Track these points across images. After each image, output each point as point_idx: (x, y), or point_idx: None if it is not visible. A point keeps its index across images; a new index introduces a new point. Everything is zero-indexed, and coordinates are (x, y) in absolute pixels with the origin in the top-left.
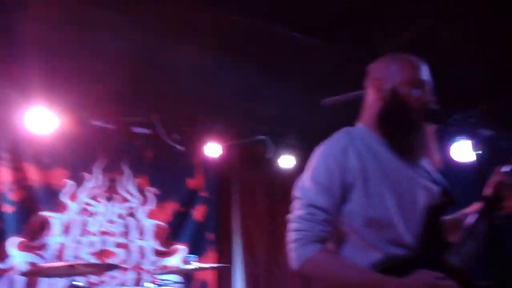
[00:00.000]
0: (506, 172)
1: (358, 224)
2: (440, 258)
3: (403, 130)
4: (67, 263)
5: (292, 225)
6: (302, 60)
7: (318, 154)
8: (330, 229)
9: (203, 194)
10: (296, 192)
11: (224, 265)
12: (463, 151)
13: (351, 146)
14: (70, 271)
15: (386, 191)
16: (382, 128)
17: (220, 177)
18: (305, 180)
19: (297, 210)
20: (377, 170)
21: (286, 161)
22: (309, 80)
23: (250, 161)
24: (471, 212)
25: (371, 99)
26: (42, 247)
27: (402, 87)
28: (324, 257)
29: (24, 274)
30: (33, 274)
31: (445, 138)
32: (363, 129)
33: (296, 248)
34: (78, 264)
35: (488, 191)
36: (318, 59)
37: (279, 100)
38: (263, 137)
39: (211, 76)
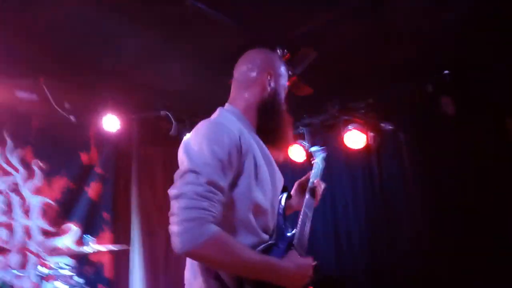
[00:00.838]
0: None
1: (242, 208)
2: (291, 241)
3: (275, 125)
4: None
5: (185, 202)
6: (212, 36)
7: (214, 129)
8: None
9: (98, 170)
10: (191, 164)
11: (122, 247)
12: (354, 139)
13: (242, 130)
14: None
15: (268, 179)
16: (260, 119)
17: (118, 153)
18: (205, 154)
19: (193, 186)
20: (262, 157)
21: None
22: (218, 58)
23: (150, 137)
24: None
25: (255, 88)
26: None
27: (281, 92)
28: (224, 238)
29: None
30: None
31: (338, 126)
32: (238, 113)
33: (192, 227)
34: None
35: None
36: (229, 38)
37: (185, 76)
38: (166, 112)
39: (111, 40)
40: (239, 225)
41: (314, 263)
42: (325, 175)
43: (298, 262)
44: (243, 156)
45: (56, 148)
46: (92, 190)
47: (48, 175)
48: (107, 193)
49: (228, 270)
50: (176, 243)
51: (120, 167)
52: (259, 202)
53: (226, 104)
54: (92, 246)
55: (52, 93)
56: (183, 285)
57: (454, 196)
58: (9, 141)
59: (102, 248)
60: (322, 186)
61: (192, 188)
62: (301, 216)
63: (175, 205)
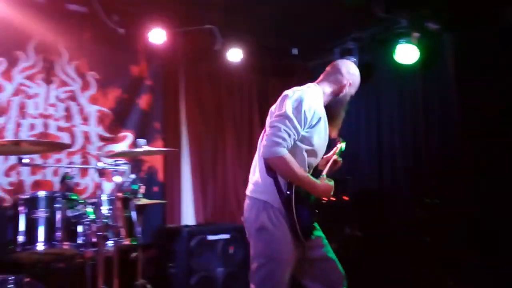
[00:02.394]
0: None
1: (303, 147)
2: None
3: (334, 114)
4: (12, 140)
5: (276, 131)
6: None
7: (309, 98)
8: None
9: (148, 82)
10: (289, 112)
11: (172, 149)
12: (406, 53)
13: (321, 104)
14: (14, 149)
15: (322, 138)
16: (328, 104)
17: (165, 66)
18: (298, 110)
19: (284, 125)
20: (324, 125)
21: (234, 54)
22: None
23: (196, 51)
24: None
25: (336, 87)
26: None
27: (348, 97)
28: (289, 158)
29: None
30: None
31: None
32: (321, 93)
33: (274, 146)
34: (24, 141)
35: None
36: None
37: None
38: (211, 26)
39: None
40: (297, 155)
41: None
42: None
43: (325, 184)
44: (316, 120)
45: (108, 60)
46: (143, 101)
47: (103, 86)
48: (157, 104)
49: (285, 177)
50: (263, 151)
51: (168, 80)
52: (313, 148)
53: (315, 84)
54: (145, 148)
55: (101, 5)
56: (229, 189)
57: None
58: (65, 54)
59: (154, 149)
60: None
61: (282, 125)
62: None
63: (270, 131)
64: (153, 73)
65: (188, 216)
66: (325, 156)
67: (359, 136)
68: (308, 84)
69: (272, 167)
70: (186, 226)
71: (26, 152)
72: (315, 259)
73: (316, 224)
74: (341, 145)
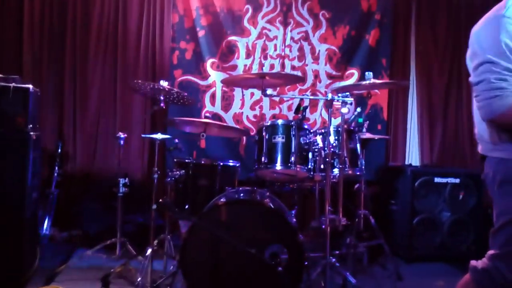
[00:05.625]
0: None
1: None
2: None
3: None
4: (258, 73)
5: (485, 85)
6: None
7: (506, 24)
8: None
9: (377, 16)
10: (487, 55)
11: (400, 82)
12: None
13: None
14: (259, 82)
15: None
16: None
17: None
18: (499, 46)
19: (490, 73)
20: None
21: None
22: None
23: None
24: None
25: None
26: (233, 68)
27: None
28: None
29: (224, 81)
30: (231, 83)
31: None
32: None
33: (491, 103)
34: (268, 74)
35: None
36: None
37: None
38: None
39: None
40: None
41: None
42: None
43: None
44: None
45: None
46: (371, 36)
47: (332, 24)
48: (385, 39)
49: None
50: (481, 114)
51: (398, 12)
52: None
53: None
54: (372, 81)
55: None
56: (462, 131)
57: None
58: None
59: (380, 81)
60: None
61: (490, 74)
62: None
63: (478, 89)
64: (383, 5)
65: (413, 156)
66: None
67: None
68: (499, 5)
69: (506, 125)
70: (410, 165)
71: (268, 85)
72: None
73: None
74: None
